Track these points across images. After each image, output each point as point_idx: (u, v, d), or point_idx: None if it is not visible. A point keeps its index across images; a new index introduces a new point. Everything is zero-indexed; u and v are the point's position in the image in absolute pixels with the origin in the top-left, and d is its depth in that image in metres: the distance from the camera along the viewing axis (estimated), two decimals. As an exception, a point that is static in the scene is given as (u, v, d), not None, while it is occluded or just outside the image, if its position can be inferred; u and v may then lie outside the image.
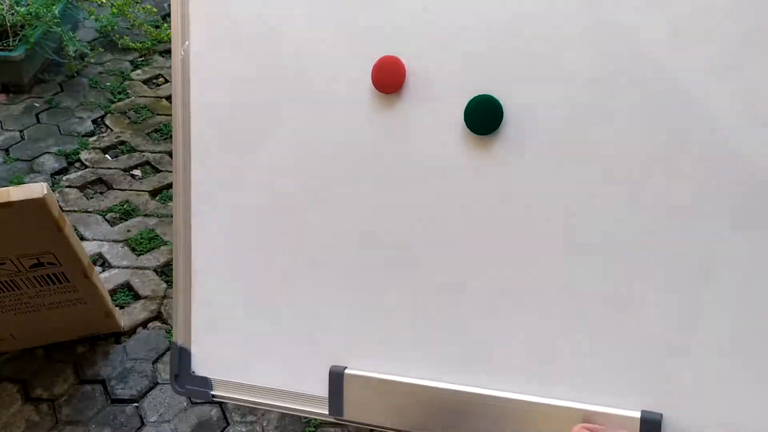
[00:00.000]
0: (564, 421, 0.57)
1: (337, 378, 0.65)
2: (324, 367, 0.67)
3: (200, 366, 0.73)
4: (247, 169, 0.69)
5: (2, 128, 2.51)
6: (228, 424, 1.61)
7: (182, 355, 0.72)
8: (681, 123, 0.55)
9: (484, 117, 0.56)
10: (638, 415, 0.56)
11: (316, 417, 0.68)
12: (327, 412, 0.67)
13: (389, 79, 0.60)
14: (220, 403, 1.65)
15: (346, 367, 0.66)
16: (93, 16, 2.93)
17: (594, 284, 0.58)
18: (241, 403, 0.72)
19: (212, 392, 0.74)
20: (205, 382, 0.72)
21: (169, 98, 2.72)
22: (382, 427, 0.65)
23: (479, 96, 0.55)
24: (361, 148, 0.64)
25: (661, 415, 0.55)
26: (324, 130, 0.65)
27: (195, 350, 0.73)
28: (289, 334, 0.69)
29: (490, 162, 0.58)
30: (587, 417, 0.56)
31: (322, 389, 0.68)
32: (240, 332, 0.71)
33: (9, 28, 2.59)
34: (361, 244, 0.64)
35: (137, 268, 2.00)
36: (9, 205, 1.34)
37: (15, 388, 1.68)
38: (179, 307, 0.72)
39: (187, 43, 0.70)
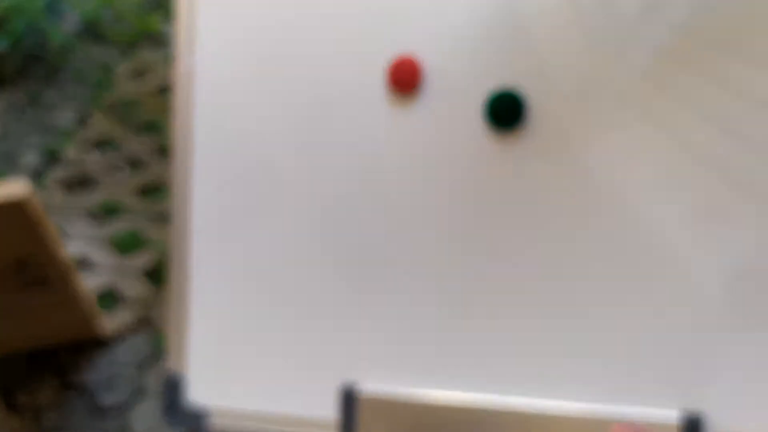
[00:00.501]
0: (592, 427, 0.56)
1: (348, 398, 0.61)
2: (334, 387, 0.64)
3: (196, 393, 0.69)
4: (253, 178, 0.66)
5: (-17, 124, 2.46)
6: None
7: (176, 383, 0.69)
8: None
9: (505, 111, 0.53)
10: (677, 414, 0.54)
11: None
12: None
13: (406, 78, 0.57)
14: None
15: (357, 385, 0.63)
16: (78, 9, 2.88)
17: (621, 284, 0.57)
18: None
19: (211, 420, 0.69)
20: (203, 411, 0.68)
21: (156, 92, 2.68)
22: None
23: (499, 91, 0.53)
24: (378, 150, 0.60)
25: (701, 413, 0.54)
26: (338, 131, 0.62)
27: (191, 377, 0.69)
28: (293, 354, 0.66)
29: (514, 157, 0.55)
30: (623, 419, 0.55)
31: (330, 412, 0.65)
32: (241, 355, 0.67)
33: (-10, 20, 2.53)
34: (373, 251, 0.61)
35: (122, 269, 1.96)
36: (-14, 206, 1.31)
37: (-4, 396, 1.64)
38: (173, 332, 0.70)
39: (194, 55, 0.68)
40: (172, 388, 0.69)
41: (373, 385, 0.63)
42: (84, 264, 1.96)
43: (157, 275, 1.94)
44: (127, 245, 2.01)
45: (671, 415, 0.53)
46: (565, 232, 0.57)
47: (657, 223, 0.54)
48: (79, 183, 2.26)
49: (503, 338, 0.59)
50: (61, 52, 2.78)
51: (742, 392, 0.53)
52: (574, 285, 0.58)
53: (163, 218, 2.12)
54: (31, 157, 2.32)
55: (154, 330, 1.80)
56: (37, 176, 2.25)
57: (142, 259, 1.97)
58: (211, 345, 0.69)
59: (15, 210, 1.33)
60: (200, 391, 0.69)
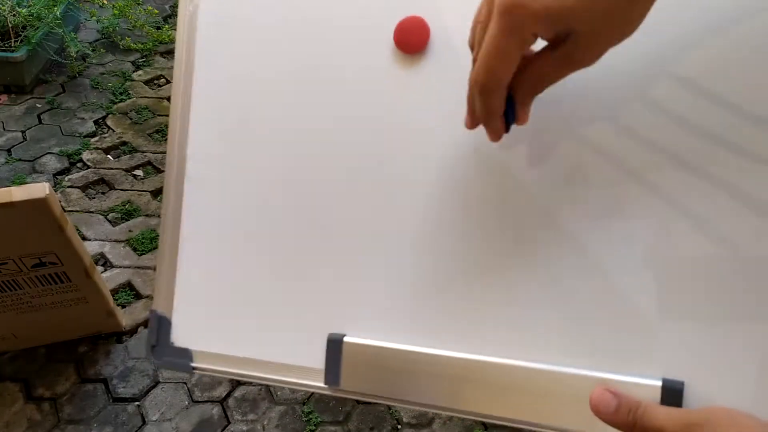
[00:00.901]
0: (577, 390, 0.55)
1: (335, 345, 0.62)
2: (317, 338, 0.64)
3: (181, 337, 0.69)
4: (249, 132, 0.66)
5: (4, 129, 2.52)
6: (229, 422, 1.62)
7: (162, 325, 0.68)
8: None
9: None
10: (659, 383, 0.54)
11: (308, 389, 0.64)
12: (322, 384, 0.63)
13: (413, 38, 0.59)
14: (222, 402, 1.66)
15: (344, 335, 0.62)
16: (94, 18, 2.94)
17: (603, 248, 0.56)
18: (225, 376, 0.68)
19: (192, 364, 0.68)
20: (185, 354, 0.68)
21: (170, 99, 2.73)
22: (380, 398, 0.62)
23: None
24: (381, 110, 0.62)
25: (683, 383, 0.54)
26: (342, 92, 0.63)
27: (176, 320, 0.68)
28: (280, 303, 0.66)
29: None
30: (603, 385, 0.54)
31: (314, 361, 0.64)
32: (226, 302, 0.67)
33: (11, 29, 2.60)
34: (363, 211, 0.62)
35: (139, 267, 2.01)
36: (11, 205, 1.35)
37: (17, 388, 1.69)
38: (162, 275, 0.68)
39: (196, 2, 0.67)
40: (158, 328, 0.68)
41: (356, 336, 0.63)
42: (102, 262, 2.01)
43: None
44: (142, 245, 2.07)
45: (653, 383, 0.53)
46: (560, 203, 0.56)
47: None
48: (97, 185, 2.31)
49: (485, 299, 0.59)
50: (79, 60, 2.84)
51: (724, 361, 0.52)
52: (559, 248, 0.57)
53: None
54: (50, 161, 2.38)
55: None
56: (56, 179, 2.31)
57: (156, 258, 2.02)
58: (197, 291, 0.68)
59: (36, 210, 1.37)
60: (185, 334, 0.69)
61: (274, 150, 0.65)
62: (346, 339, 0.62)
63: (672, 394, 0.53)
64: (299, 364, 0.64)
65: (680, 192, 0.53)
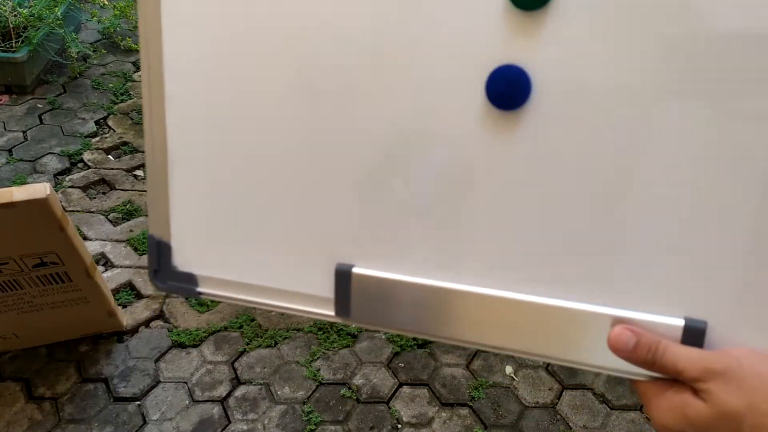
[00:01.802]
0: (594, 328, 0.53)
1: (344, 277, 0.60)
2: (323, 266, 0.60)
3: (183, 262, 0.64)
4: (235, 34, 0.57)
5: (5, 129, 2.52)
6: (229, 422, 1.62)
7: (161, 249, 0.64)
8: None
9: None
10: (681, 322, 0.52)
11: (319, 318, 0.61)
12: (332, 313, 0.61)
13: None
14: (222, 401, 1.66)
15: (353, 266, 0.59)
16: (95, 18, 2.95)
17: (622, 185, 0.53)
18: (234, 302, 0.64)
19: (198, 289, 0.64)
20: (190, 278, 0.64)
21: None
22: (392, 330, 0.60)
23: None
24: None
25: (706, 323, 0.52)
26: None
27: (175, 245, 0.64)
28: (284, 229, 0.61)
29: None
30: (623, 323, 0.53)
31: (322, 290, 0.61)
32: (226, 227, 0.63)
33: (12, 30, 2.60)
34: (367, 136, 0.57)
35: (140, 267, 2.01)
36: (12, 205, 1.35)
37: (18, 387, 1.69)
38: (154, 201, 0.63)
39: None
40: (158, 253, 0.64)
41: (364, 266, 0.59)
42: (103, 262, 2.02)
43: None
44: (143, 245, 2.07)
45: (675, 322, 0.51)
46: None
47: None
48: (98, 186, 2.32)
49: (504, 234, 0.56)
50: (80, 60, 2.85)
51: (747, 303, 0.51)
52: (577, 182, 0.54)
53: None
54: (51, 161, 2.38)
55: (168, 324, 1.86)
56: (57, 179, 2.31)
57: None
58: (194, 216, 0.63)
59: (37, 210, 1.38)
60: (187, 259, 0.64)
61: (269, 52, 0.57)
62: (354, 270, 0.59)
63: (694, 334, 0.51)
64: (307, 292, 0.61)
65: (700, 126, 0.51)
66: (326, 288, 0.60)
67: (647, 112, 0.50)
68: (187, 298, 1.91)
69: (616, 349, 0.52)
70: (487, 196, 0.55)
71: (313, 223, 0.60)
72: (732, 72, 0.48)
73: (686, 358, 0.50)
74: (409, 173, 0.57)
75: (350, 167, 0.58)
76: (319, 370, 1.75)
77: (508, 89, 0.51)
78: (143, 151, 2.44)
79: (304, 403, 1.67)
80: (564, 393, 1.71)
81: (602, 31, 0.49)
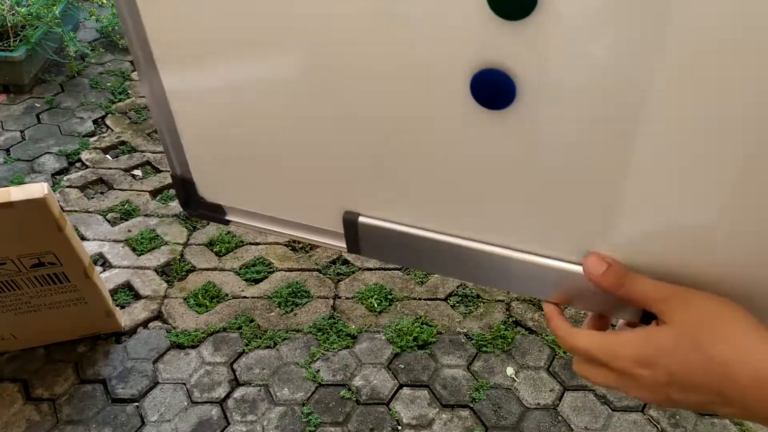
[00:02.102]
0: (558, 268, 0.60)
1: (351, 225, 0.66)
2: (336, 207, 0.66)
3: (208, 195, 0.69)
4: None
5: (3, 128, 2.51)
6: (228, 423, 1.61)
7: (185, 185, 0.68)
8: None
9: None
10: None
11: (334, 248, 0.67)
12: (344, 246, 0.67)
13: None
14: (221, 403, 1.66)
15: (359, 215, 0.65)
16: (93, 17, 2.94)
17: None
18: (260, 230, 0.69)
19: (226, 217, 0.69)
20: (218, 208, 0.69)
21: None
22: (396, 263, 0.66)
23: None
24: None
25: None
26: None
27: (198, 180, 0.68)
28: (296, 169, 0.65)
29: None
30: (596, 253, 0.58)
31: (335, 226, 0.67)
32: (243, 166, 0.67)
33: (10, 29, 2.59)
34: (373, 94, 0.58)
35: (138, 267, 2.00)
36: (10, 205, 1.35)
37: (15, 388, 1.68)
38: (168, 143, 0.66)
39: None
40: (184, 188, 0.68)
41: (370, 213, 0.65)
42: (101, 262, 2.01)
43: (171, 273, 1.99)
44: (141, 245, 2.06)
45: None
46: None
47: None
48: (96, 185, 2.31)
49: (483, 192, 0.61)
50: (78, 59, 2.84)
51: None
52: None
53: (176, 219, 2.17)
54: (49, 161, 2.37)
55: (167, 325, 1.85)
56: (55, 179, 2.30)
57: (155, 258, 2.02)
58: (208, 153, 0.67)
59: (35, 210, 1.37)
60: (211, 192, 0.69)
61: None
62: (360, 220, 0.65)
63: None
64: (321, 227, 0.67)
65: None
66: (338, 225, 0.66)
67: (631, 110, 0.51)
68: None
69: (589, 273, 0.57)
70: (474, 175, 0.60)
71: (323, 168, 0.64)
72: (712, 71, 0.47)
73: (649, 283, 0.54)
74: (405, 151, 0.61)
75: (356, 127, 0.61)
76: (319, 371, 1.74)
77: (493, 90, 0.53)
78: (141, 151, 2.44)
79: (303, 404, 1.66)
80: (565, 394, 1.70)
81: (581, 35, 0.49)
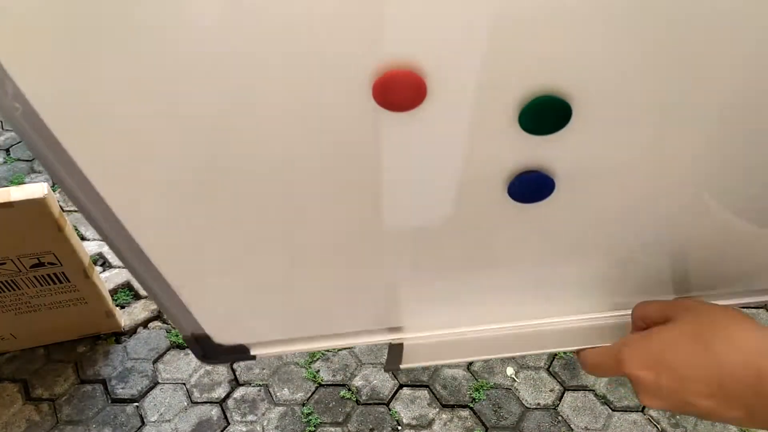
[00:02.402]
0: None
1: (396, 349, 0.66)
2: (372, 313, 0.65)
3: (227, 339, 0.65)
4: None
5: (3, 128, 2.51)
6: (228, 423, 1.61)
7: (200, 340, 0.63)
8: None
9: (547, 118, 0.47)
10: None
11: (369, 344, 0.66)
12: (386, 338, 0.66)
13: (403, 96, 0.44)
14: (221, 403, 1.65)
15: (402, 341, 0.65)
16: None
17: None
18: (292, 353, 0.66)
19: (252, 353, 0.65)
20: (240, 348, 0.65)
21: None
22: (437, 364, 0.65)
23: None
24: None
25: None
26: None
27: (211, 332, 0.63)
28: (318, 289, 0.62)
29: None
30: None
31: (367, 325, 0.66)
32: (257, 302, 0.62)
33: (10, 29, 2.59)
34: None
35: (138, 268, 2.00)
36: (9, 205, 1.35)
37: (15, 388, 1.68)
38: (170, 308, 0.60)
39: None
40: (198, 343, 0.63)
41: (411, 331, 0.66)
42: (101, 262, 2.01)
43: (170, 274, 1.99)
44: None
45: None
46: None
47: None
48: (95, 186, 2.30)
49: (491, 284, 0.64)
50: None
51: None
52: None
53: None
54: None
55: (167, 325, 1.85)
56: (54, 180, 2.29)
57: (155, 259, 2.02)
58: (216, 296, 0.61)
59: (35, 210, 1.37)
60: (228, 336, 0.64)
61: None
62: (406, 343, 0.65)
63: None
64: (352, 330, 0.65)
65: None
66: (370, 323, 0.64)
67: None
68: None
69: (587, 369, 0.59)
70: (503, 270, 0.62)
71: (351, 285, 0.61)
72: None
73: (652, 305, 0.56)
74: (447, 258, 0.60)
75: (391, 238, 0.57)
76: (319, 371, 1.74)
77: (531, 189, 0.52)
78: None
79: (303, 404, 1.66)
80: (565, 394, 1.70)
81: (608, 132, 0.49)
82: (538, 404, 1.68)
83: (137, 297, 1.92)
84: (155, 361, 1.75)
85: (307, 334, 0.65)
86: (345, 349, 0.64)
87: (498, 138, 0.47)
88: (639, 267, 0.62)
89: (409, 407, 1.67)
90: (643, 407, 1.67)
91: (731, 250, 0.60)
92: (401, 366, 0.63)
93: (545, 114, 0.44)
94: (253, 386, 1.70)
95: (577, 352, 0.62)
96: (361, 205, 0.52)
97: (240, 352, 0.65)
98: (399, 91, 0.42)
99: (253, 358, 0.65)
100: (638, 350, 0.52)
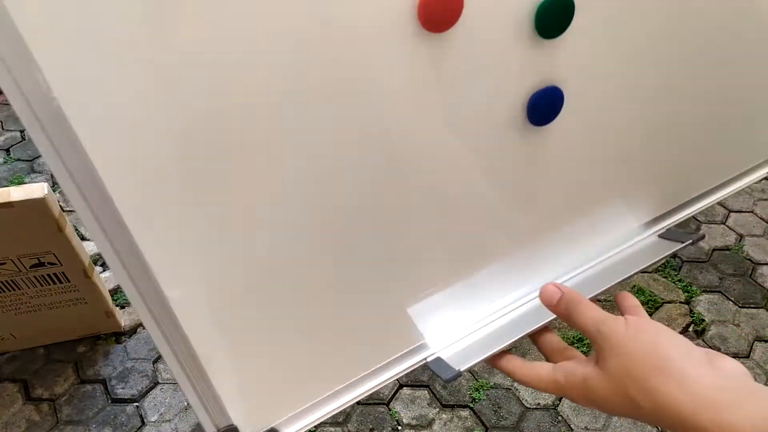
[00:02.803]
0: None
1: (437, 363, 0.66)
2: (404, 336, 0.64)
3: (254, 427, 0.58)
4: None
5: (3, 128, 2.51)
6: (228, 423, 1.61)
7: None
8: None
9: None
10: None
11: (408, 371, 0.64)
12: (417, 360, 0.65)
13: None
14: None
15: (458, 372, 0.64)
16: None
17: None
18: (326, 416, 0.61)
19: None
20: None
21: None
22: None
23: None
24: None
25: None
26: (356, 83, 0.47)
27: (239, 421, 0.56)
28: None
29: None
30: (554, 282, 0.62)
31: (395, 351, 0.64)
32: (284, 375, 0.59)
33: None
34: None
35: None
36: (10, 205, 1.35)
37: (15, 388, 1.68)
38: (204, 403, 0.53)
39: None
40: None
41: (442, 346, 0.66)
42: (101, 262, 2.01)
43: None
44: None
45: None
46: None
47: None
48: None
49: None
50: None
51: None
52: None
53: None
54: (48, 161, 2.36)
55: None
56: (55, 179, 2.29)
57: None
58: (249, 387, 0.56)
59: (35, 210, 1.37)
60: (254, 424, 0.57)
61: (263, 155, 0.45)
62: (441, 355, 0.65)
63: None
64: (379, 364, 0.63)
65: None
66: (396, 348, 0.63)
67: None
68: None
69: (545, 302, 0.60)
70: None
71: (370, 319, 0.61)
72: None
73: (591, 317, 0.56)
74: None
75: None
76: (319, 371, 1.74)
77: (546, 108, 0.58)
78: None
79: (303, 404, 1.66)
80: (565, 394, 1.70)
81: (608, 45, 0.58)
82: (538, 404, 1.68)
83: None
84: (155, 361, 1.75)
85: (336, 388, 0.61)
86: (374, 397, 0.59)
87: (518, 48, 0.53)
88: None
89: (409, 407, 1.67)
90: (643, 407, 1.67)
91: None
92: (461, 369, 0.62)
93: (555, 12, 0.52)
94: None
95: (510, 368, 0.63)
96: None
97: None
98: (440, 11, 0.47)
99: None
100: (581, 396, 0.54)
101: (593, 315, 0.56)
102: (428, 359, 0.64)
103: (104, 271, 1.97)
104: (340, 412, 1.63)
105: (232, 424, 0.55)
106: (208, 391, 0.53)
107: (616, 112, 0.62)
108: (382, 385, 0.63)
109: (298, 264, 0.52)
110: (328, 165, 0.49)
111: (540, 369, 0.59)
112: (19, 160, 2.37)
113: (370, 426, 1.62)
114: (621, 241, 0.73)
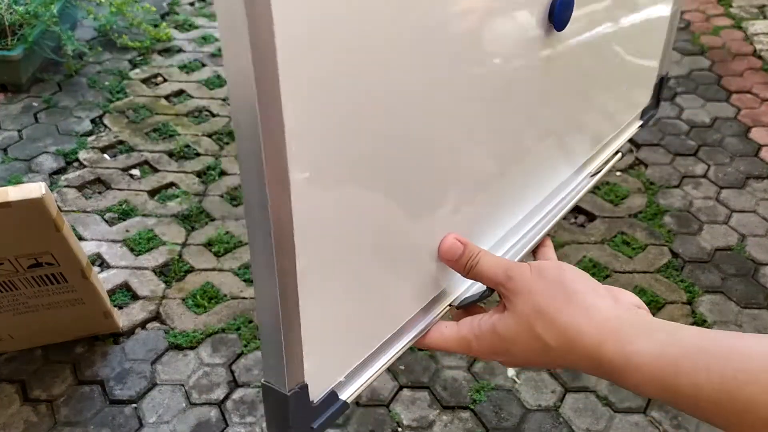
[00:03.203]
0: None
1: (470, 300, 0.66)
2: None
3: (317, 392, 0.54)
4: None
5: (0, 128, 2.50)
6: (227, 425, 1.60)
7: (299, 399, 0.52)
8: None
9: None
10: None
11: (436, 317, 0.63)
12: (445, 305, 0.65)
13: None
14: (220, 404, 1.64)
15: (461, 301, 0.66)
16: (92, 15, 2.92)
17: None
18: (377, 373, 0.59)
19: (342, 398, 0.56)
20: (330, 399, 0.55)
21: (167, 97, 2.71)
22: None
23: None
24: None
25: None
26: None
27: (312, 379, 0.53)
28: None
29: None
30: (454, 234, 0.60)
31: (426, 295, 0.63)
32: (349, 327, 0.57)
33: (7, 27, 2.58)
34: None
35: (136, 268, 1.99)
36: (7, 205, 1.33)
37: (13, 389, 1.67)
38: (285, 357, 0.50)
39: None
40: (294, 404, 0.52)
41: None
42: (98, 263, 2.00)
43: (169, 274, 1.97)
44: (139, 245, 2.05)
45: None
46: None
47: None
48: (94, 185, 2.29)
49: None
50: (76, 58, 2.82)
51: None
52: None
53: (174, 219, 2.15)
54: (46, 160, 2.36)
55: (165, 326, 1.84)
56: (52, 178, 2.29)
57: (154, 259, 2.01)
58: (330, 335, 0.54)
59: (32, 210, 1.36)
60: (319, 386, 0.54)
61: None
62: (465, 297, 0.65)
63: None
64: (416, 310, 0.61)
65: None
66: (428, 292, 0.62)
67: None
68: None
69: (446, 257, 0.58)
70: None
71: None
72: None
73: (495, 264, 0.56)
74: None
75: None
76: (319, 372, 1.73)
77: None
78: (139, 150, 2.42)
79: (303, 405, 1.65)
80: (567, 396, 1.69)
81: None
82: (540, 406, 1.67)
83: (135, 297, 1.91)
84: (153, 362, 1.74)
85: (380, 341, 0.59)
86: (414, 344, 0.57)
87: None
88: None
89: (409, 409, 1.66)
90: (645, 409, 1.66)
91: None
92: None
93: None
94: (252, 387, 1.69)
95: (423, 332, 0.60)
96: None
97: (331, 406, 0.55)
98: None
99: (347, 406, 0.56)
100: (487, 347, 0.55)
101: (500, 262, 0.56)
102: (452, 304, 0.65)
103: (102, 271, 1.96)
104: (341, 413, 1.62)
105: (304, 383, 0.52)
106: (295, 343, 0.50)
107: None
108: (412, 340, 0.61)
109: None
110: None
111: (443, 327, 0.58)
112: (16, 159, 2.36)
113: (371, 428, 1.61)
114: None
